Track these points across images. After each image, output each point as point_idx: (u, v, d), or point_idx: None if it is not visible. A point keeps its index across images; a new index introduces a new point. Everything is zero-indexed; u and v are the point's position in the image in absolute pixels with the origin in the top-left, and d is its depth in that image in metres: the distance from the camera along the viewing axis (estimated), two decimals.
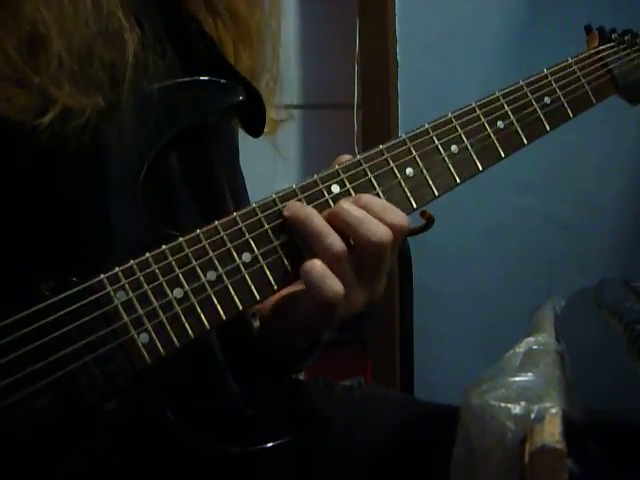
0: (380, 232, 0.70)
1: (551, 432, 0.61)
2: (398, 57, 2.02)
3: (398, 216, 0.72)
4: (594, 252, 1.95)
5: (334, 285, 0.69)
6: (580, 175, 1.93)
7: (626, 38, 0.97)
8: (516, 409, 0.64)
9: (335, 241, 0.70)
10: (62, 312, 0.63)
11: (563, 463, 0.58)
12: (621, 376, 0.71)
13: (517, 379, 0.68)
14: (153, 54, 0.72)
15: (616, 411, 0.65)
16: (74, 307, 0.63)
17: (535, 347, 0.79)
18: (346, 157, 0.76)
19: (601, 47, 0.94)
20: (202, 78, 0.75)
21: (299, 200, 0.71)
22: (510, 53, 1.92)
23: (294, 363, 0.85)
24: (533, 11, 1.92)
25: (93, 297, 0.64)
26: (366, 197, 0.73)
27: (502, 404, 0.64)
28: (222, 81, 0.75)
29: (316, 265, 0.69)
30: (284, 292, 0.76)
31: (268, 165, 2.31)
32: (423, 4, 1.99)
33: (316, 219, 0.70)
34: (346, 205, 0.71)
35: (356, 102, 2.10)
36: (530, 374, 0.69)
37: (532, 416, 0.63)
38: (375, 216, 0.71)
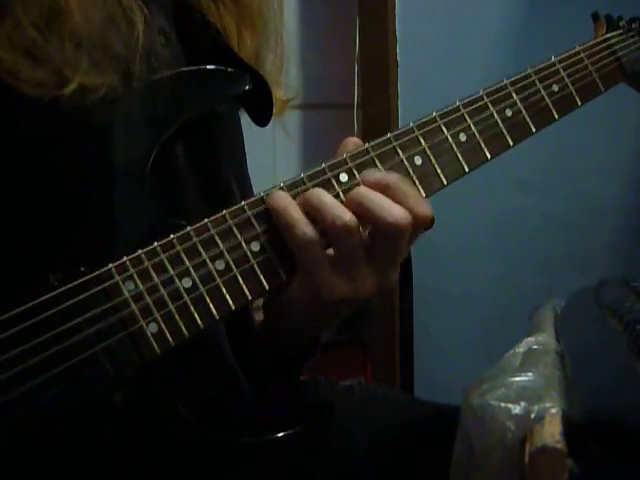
0: (396, 213, 0.68)
1: (551, 432, 0.61)
2: (398, 57, 2.02)
3: (422, 205, 0.70)
4: (594, 252, 1.95)
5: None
6: (580, 175, 1.92)
7: (634, 25, 0.96)
8: (516, 409, 0.64)
9: (343, 212, 0.68)
10: (70, 302, 0.62)
11: (563, 463, 0.58)
12: (621, 376, 0.71)
13: (517, 379, 0.68)
14: (159, 39, 0.72)
15: (616, 410, 0.65)
16: (83, 297, 0.63)
17: (535, 347, 0.79)
18: (352, 140, 0.75)
19: (608, 35, 0.94)
20: (209, 67, 0.74)
21: (307, 189, 0.70)
22: (510, 53, 1.92)
23: (296, 362, 0.85)
24: (533, 11, 1.92)
25: (101, 287, 0.63)
26: (392, 178, 0.71)
27: (502, 404, 0.64)
28: (229, 70, 0.74)
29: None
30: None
31: (268, 164, 2.32)
32: (423, 4, 1.99)
33: (324, 196, 0.69)
34: (363, 189, 0.70)
35: (356, 102, 2.10)
36: (530, 374, 0.69)
37: (532, 416, 0.63)
38: (395, 199, 0.70)
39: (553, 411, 0.63)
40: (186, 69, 0.73)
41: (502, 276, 2.00)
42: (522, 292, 1.85)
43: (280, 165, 2.34)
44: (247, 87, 0.75)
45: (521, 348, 0.79)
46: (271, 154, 2.30)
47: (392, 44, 2.01)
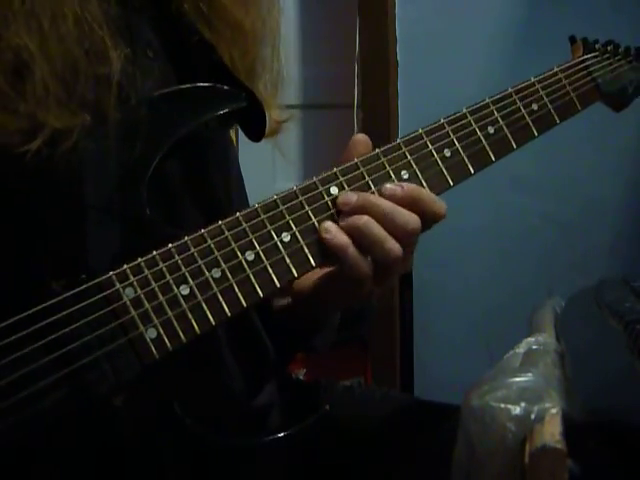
0: (412, 222, 0.73)
1: (551, 432, 0.61)
2: (398, 57, 2.02)
3: (436, 205, 0.75)
4: (594, 252, 1.95)
5: (366, 267, 0.73)
6: (580, 175, 1.93)
7: (609, 48, 1.01)
8: (516, 410, 0.64)
9: (394, 246, 0.72)
10: (72, 308, 0.64)
11: (563, 463, 0.58)
12: (621, 376, 0.71)
13: (517, 379, 0.68)
14: (144, 63, 0.73)
15: (616, 410, 0.65)
16: (84, 303, 0.64)
17: (535, 347, 0.79)
18: (360, 138, 0.79)
19: (585, 56, 0.98)
20: (203, 84, 0.75)
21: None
22: (509, 53, 1.93)
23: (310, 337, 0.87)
24: (532, 11, 1.92)
25: (102, 294, 0.65)
26: (391, 188, 0.75)
27: (502, 405, 0.64)
28: (224, 87, 0.76)
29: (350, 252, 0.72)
30: (322, 272, 0.79)
31: (268, 165, 2.32)
32: (423, 4, 1.99)
33: (375, 227, 0.72)
34: (377, 200, 0.74)
35: (356, 102, 2.10)
36: (530, 374, 0.69)
37: (532, 416, 0.63)
38: (403, 204, 0.74)
39: (553, 411, 0.63)
40: (181, 87, 0.74)
41: (502, 276, 2.01)
42: (522, 292, 1.86)
43: (280, 164, 2.34)
44: (241, 105, 0.76)
45: (521, 348, 0.79)
46: (270, 154, 2.31)
47: (392, 44, 2.01)
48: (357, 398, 0.98)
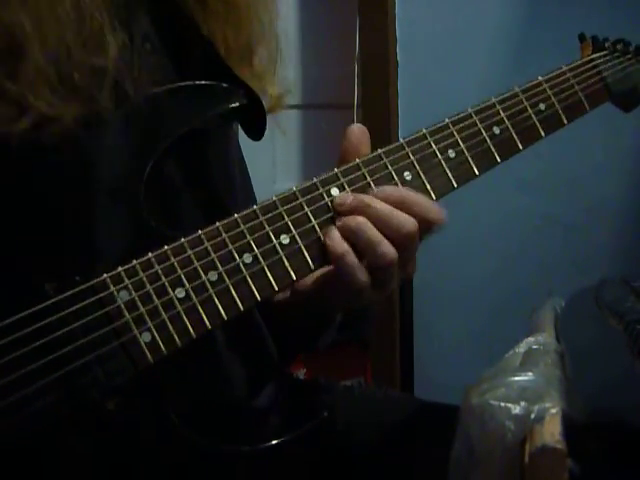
0: (408, 225, 0.72)
1: (551, 432, 0.61)
2: (398, 57, 2.02)
3: (433, 211, 0.74)
4: (594, 252, 1.94)
5: (363, 277, 0.71)
6: (580, 175, 1.92)
7: (618, 47, 0.98)
8: (516, 409, 0.64)
9: (388, 250, 0.71)
10: (65, 311, 0.63)
11: (563, 463, 0.58)
12: (621, 376, 0.71)
13: (517, 378, 0.68)
14: (142, 56, 0.72)
15: (616, 410, 0.65)
16: (77, 306, 0.63)
17: (535, 347, 0.79)
18: (356, 130, 0.79)
19: (594, 55, 0.95)
20: (202, 82, 0.74)
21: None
22: (510, 53, 1.92)
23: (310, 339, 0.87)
24: (533, 11, 1.92)
25: (96, 297, 0.64)
26: (388, 189, 0.74)
27: (502, 404, 0.64)
28: (223, 85, 0.75)
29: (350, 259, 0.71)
30: (323, 272, 0.77)
31: (268, 165, 2.32)
32: (423, 4, 1.99)
33: (369, 228, 0.71)
34: (372, 201, 0.72)
35: (356, 102, 2.10)
36: (530, 374, 0.69)
37: (532, 416, 0.63)
38: (400, 207, 0.73)
39: (553, 411, 0.63)
40: (180, 84, 0.73)
41: (502, 276, 2.00)
42: (522, 292, 1.86)
43: (280, 165, 2.34)
44: (240, 102, 0.75)
45: (521, 348, 0.79)
46: (271, 154, 2.31)
47: (392, 44, 2.01)
48: (357, 398, 0.98)
